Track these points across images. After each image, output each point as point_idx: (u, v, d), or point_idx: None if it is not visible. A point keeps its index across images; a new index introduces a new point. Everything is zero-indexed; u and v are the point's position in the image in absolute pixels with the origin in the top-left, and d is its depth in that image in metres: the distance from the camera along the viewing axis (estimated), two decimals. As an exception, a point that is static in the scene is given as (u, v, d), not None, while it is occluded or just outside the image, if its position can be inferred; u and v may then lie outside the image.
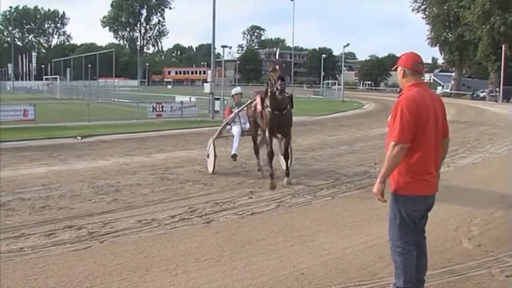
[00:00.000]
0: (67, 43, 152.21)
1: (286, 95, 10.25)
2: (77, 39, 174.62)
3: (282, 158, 10.85)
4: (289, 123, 10.44)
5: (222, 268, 5.80)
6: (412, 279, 4.64)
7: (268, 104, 10.21)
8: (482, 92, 71.57)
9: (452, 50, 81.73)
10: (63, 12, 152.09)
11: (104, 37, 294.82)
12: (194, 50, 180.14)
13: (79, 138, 18.34)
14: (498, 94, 65.12)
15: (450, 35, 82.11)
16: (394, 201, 4.60)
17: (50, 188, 9.80)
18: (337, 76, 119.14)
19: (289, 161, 10.83)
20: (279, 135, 10.68)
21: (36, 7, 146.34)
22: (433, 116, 4.53)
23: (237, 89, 12.94)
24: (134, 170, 11.95)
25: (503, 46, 65.17)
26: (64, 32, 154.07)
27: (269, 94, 10.13)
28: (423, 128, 4.44)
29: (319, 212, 8.37)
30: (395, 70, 4.78)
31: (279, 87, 9.48)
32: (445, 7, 79.41)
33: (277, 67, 9.70)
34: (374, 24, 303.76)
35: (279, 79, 9.51)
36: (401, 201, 4.55)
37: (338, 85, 75.58)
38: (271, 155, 10.41)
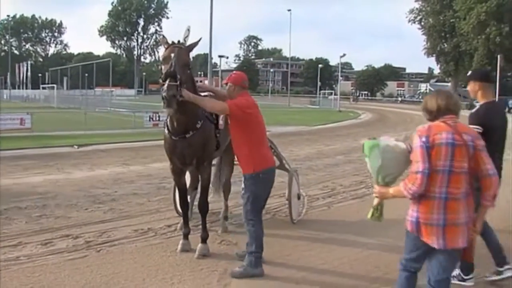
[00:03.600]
0: (64, 52, 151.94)
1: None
2: (74, 48, 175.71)
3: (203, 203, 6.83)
4: (199, 152, 6.39)
5: (218, 277, 5.83)
6: (261, 245, 5.96)
7: (167, 122, 6.56)
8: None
9: (448, 60, 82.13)
10: (61, 21, 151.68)
11: (101, 46, 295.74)
12: (191, 59, 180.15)
13: (76, 147, 18.33)
14: (494, 104, 65.30)
15: (446, 46, 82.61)
16: (249, 181, 5.90)
17: (46, 197, 9.80)
18: (334, 86, 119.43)
19: (206, 216, 6.78)
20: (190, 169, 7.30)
21: (33, 16, 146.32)
22: (260, 115, 6.06)
23: None
24: (131, 179, 11.96)
25: (499, 56, 65.44)
26: (61, 41, 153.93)
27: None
28: (259, 123, 5.96)
29: (315, 222, 8.40)
30: (226, 84, 6.11)
31: (165, 94, 5.53)
32: (441, 18, 79.95)
33: (172, 55, 5.80)
34: (371, 34, 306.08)
35: (168, 78, 5.60)
36: (255, 178, 5.86)
37: (335, 95, 75.75)
38: (183, 204, 7.00)
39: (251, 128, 5.88)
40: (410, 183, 3.83)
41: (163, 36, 6.20)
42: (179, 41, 6.08)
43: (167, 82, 5.57)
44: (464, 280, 5.64)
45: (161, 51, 6.06)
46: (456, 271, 5.72)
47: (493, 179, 3.92)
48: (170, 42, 6.09)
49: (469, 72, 6.07)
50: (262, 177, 5.91)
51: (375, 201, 4.36)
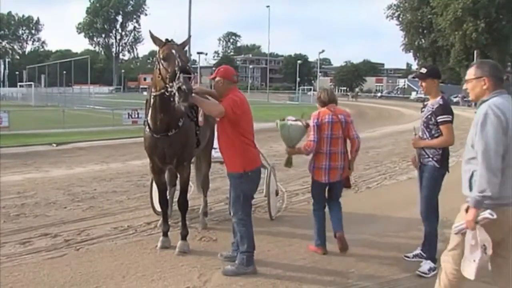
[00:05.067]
0: (42, 50, 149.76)
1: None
2: (52, 46, 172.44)
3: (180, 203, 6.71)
4: (180, 151, 6.32)
5: (199, 273, 5.85)
6: (253, 244, 5.91)
7: (148, 120, 6.35)
8: (455, 97, 72.64)
9: (425, 56, 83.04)
10: (38, 18, 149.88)
11: (80, 44, 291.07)
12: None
13: (54, 145, 18.19)
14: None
15: (423, 41, 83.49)
16: (238, 180, 5.84)
17: (25, 196, 9.73)
18: (313, 82, 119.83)
19: (185, 214, 6.73)
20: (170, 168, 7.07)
21: (10, 13, 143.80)
22: (250, 112, 6.00)
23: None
24: (110, 177, 11.91)
25: (475, 52, 66.26)
26: (39, 39, 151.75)
27: (151, 101, 6.17)
28: (249, 120, 5.93)
29: (295, 217, 8.46)
30: (213, 78, 5.96)
31: (185, 87, 5.25)
32: (419, 14, 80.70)
33: (173, 51, 5.62)
34: (350, 30, 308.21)
35: (181, 72, 5.35)
36: (245, 177, 5.80)
37: (314, 91, 75.94)
38: (162, 202, 6.92)
39: (241, 127, 5.78)
40: (306, 146, 6.35)
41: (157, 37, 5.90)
42: (172, 40, 5.89)
43: (181, 76, 5.30)
44: (434, 270, 5.77)
45: (155, 48, 5.97)
46: (427, 266, 5.89)
47: (356, 140, 6.45)
48: (163, 40, 5.88)
49: (425, 69, 6.01)
50: (252, 175, 5.85)
51: (287, 156, 6.76)
